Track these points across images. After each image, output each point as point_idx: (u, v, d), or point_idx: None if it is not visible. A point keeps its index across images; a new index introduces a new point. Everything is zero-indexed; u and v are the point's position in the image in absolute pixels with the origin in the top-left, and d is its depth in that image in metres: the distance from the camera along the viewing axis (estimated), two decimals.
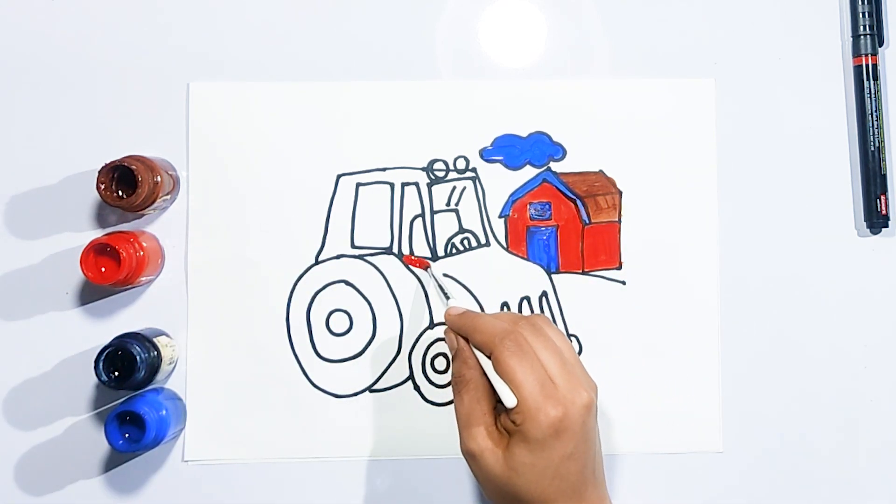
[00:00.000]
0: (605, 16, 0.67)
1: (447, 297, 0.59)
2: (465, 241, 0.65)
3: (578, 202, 0.66)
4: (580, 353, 0.65)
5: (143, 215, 0.64)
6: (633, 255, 0.65)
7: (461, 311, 0.57)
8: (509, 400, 0.51)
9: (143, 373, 0.59)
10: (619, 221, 0.66)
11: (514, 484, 0.51)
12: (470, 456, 0.52)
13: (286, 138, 0.65)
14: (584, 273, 0.65)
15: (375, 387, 0.65)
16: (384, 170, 0.65)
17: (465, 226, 0.65)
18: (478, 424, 0.52)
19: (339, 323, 0.65)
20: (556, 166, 0.66)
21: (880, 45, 0.67)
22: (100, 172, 0.60)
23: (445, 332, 0.56)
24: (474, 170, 0.66)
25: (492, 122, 0.66)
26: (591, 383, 0.53)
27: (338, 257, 0.65)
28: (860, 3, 0.66)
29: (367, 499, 0.64)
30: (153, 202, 0.62)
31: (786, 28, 0.67)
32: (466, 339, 0.55)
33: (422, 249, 0.65)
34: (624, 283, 0.65)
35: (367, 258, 0.65)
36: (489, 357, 0.52)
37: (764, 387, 0.65)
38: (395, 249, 0.65)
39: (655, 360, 0.65)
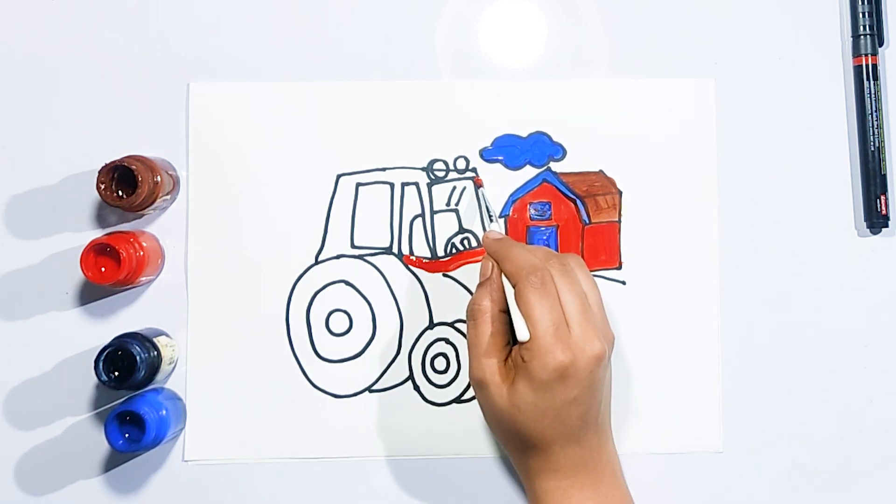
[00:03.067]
0: (605, 16, 0.67)
1: (490, 220, 0.60)
2: (465, 241, 0.65)
3: (578, 202, 0.66)
4: None
5: (143, 215, 0.65)
6: (633, 255, 0.65)
7: (500, 236, 0.58)
8: (522, 334, 0.51)
9: (143, 373, 0.59)
10: (619, 221, 0.66)
11: (515, 420, 0.52)
12: (477, 384, 0.54)
13: (286, 138, 0.65)
14: None
15: (375, 387, 0.65)
16: (384, 170, 0.65)
17: (465, 226, 0.65)
18: (488, 356, 0.53)
19: (338, 323, 0.65)
20: (556, 166, 0.66)
21: (880, 45, 0.66)
22: (100, 172, 0.60)
23: (483, 258, 0.57)
24: (474, 170, 0.66)
25: (492, 122, 0.66)
26: (608, 334, 0.54)
27: (338, 257, 0.65)
28: (860, 3, 0.66)
29: (367, 499, 0.64)
30: (153, 202, 0.62)
31: (786, 28, 0.67)
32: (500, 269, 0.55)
33: (422, 249, 0.65)
34: (624, 283, 0.65)
35: (367, 258, 0.65)
36: (514, 288, 0.53)
37: (764, 387, 0.65)
38: (395, 249, 0.65)
39: (655, 359, 0.65)
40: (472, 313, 0.55)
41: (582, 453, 0.53)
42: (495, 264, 0.56)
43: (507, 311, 0.55)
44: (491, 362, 0.53)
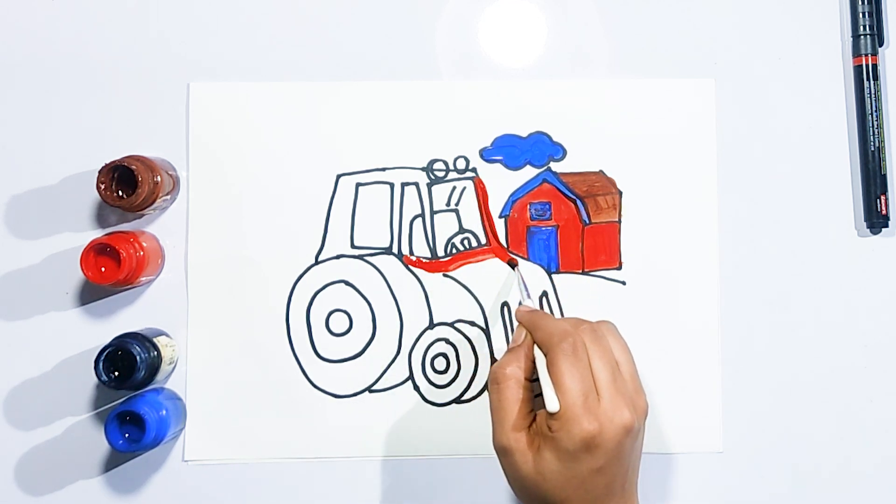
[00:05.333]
0: (605, 16, 0.67)
1: (527, 297, 0.60)
2: (465, 241, 0.65)
3: (578, 202, 0.66)
4: None
5: (143, 215, 0.65)
6: (633, 255, 0.65)
7: (532, 308, 0.58)
8: (552, 405, 0.50)
9: (143, 373, 0.59)
10: (619, 221, 0.66)
11: (539, 487, 0.51)
12: (501, 451, 0.53)
13: (286, 138, 0.65)
14: (584, 273, 0.65)
15: (375, 387, 0.65)
16: (384, 170, 0.65)
17: (465, 226, 0.65)
18: (513, 423, 0.52)
19: (338, 323, 0.65)
20: (556, 166, 0.66)
21: (880, 45, 0.66)
22: (100, 172, 0.60)
23: (516, 328, 0.56)
24: (474, 170, 0.66)
25: (492, 122, 0.66)
26: (639, 403, 0.53)
27: (337, 257, 0.65)
28: (860, 3, 0.66)
29: (367, 499, 0.64)
30: (153, 202, 0.62)
31: (786, 28, 0.67)
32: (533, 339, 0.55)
33: (422, 249, 0.65)
34: (624, 283, 0.65)
35: (367, 258, 0.65)
36: (546, 356, 0.52)
37: (764, 387, 0.65)
38: (395, 249, 0.65)
39: (655, 360, 0.65)
40: (497, 378, 0.54)
41: None
42: (528, 333, 0.55)
43: (531, 379, 0.54)
44: (515, 430, 0.52)
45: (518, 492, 0.53)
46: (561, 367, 0.51)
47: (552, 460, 0.51)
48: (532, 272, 0.65)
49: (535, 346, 0.54)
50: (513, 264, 0.64)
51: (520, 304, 0.63)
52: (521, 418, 0.53)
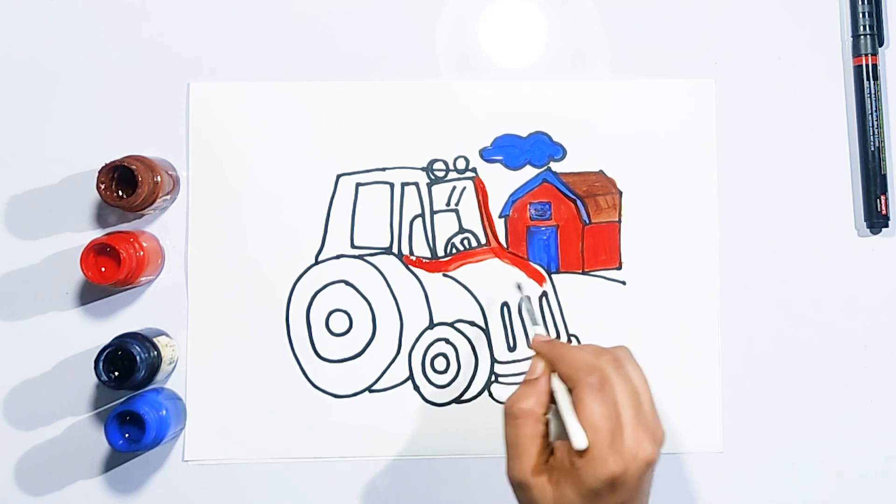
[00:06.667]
0: (605, 16, 0.67)
1: (534, 323, 0.58)
2: (465, 241, 0.65)
3: (578, 202, 0.66)
4: None
5: (143, 215, 0.65)
6: (633, 255, 0.65)
7: (548, 338, 0.56)
8: (580, 442, 0.49)
9: (143, 373, 0.59)
10: (619, 221, 0.66)
11: None
12: (518, 486, 0.51)
13: (286, 138, 0.65)
14: (584, 273, 0.65)
15: (375, 387, 0.65)
16: (384, 170, 0.65)
17: (465, 226, 0.65)
18: (530, 457, 0.51)
19: (338, 323, 0.65)
20: (556, 166, 0.66)
21: (880, 45, 0.66)
22: (100, 172, 0.60)
23: (533, 358, 0.54)
24: (474, 170, 0.66)
25: (492, 122, 0.66)
26: (657, 432, 0.52)
27: (337, 257, 0.65)
28: (860, 3, 0.66)
29: (367, 499, 0.64)
30: (153, 202, 0.62)
31: (786, 28, 0.67)
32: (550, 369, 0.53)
33: (422, 249, 0.65)
34: (624, 283, 0.65)
35: (367, 258, 0.65)
36: (570, 390, 0.51)
37: (764, 387, 0.65)
38: (395, 249, 0.65)
39: (655, 360, 0.65)
40: (515, 413, 0.52)
41: None
42: (546, 365, 0.53)
43: (548, 413, 0.53)
44: (533, 464, 0.51)
45: None
46: (590, 405, 0.50)
47: (573, 496, 0.49)
48: (532, 272, 0.65)
49: (556, 379, 0.52)
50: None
51: (526, 334, 0.64)
52: (539, 454, 0.51)
